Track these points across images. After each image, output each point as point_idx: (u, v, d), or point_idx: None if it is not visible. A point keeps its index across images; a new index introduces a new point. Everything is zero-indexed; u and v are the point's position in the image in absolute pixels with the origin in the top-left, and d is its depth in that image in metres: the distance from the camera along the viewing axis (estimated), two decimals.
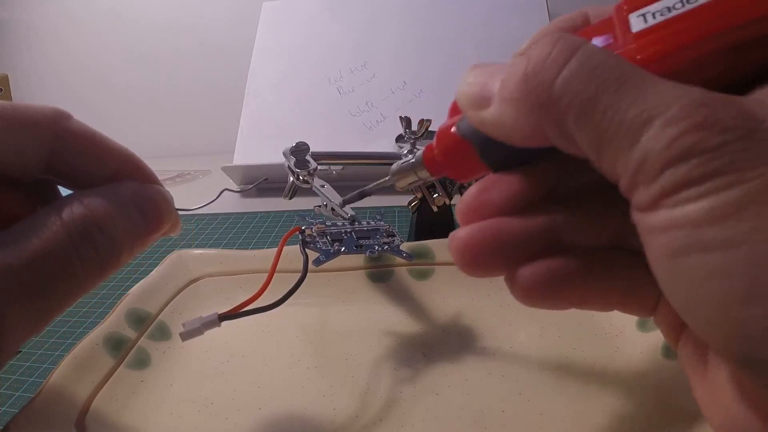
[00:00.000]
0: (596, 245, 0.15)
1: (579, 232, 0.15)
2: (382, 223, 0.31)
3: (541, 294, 0.15)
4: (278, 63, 0.73)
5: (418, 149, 0.19)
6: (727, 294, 0.11)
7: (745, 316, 0.10)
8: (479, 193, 0.16)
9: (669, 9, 0.14)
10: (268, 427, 0.22)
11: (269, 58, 0.73)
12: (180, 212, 0.20)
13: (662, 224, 0.11)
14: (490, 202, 0.16)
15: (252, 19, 0.78)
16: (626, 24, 0.14)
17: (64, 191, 0.18)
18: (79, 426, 0.21)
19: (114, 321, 0.27)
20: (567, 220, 0.15)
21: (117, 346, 0.26)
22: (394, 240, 0.30)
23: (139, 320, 0.28)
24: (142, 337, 0.27)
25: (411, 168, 0.19)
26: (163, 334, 0.28)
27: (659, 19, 0.14)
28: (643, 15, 0.14)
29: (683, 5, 0.13)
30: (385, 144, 0.61)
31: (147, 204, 0.18)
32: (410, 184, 0.20)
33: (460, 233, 0.15)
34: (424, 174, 0.19)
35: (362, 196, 0.25)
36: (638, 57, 0.14)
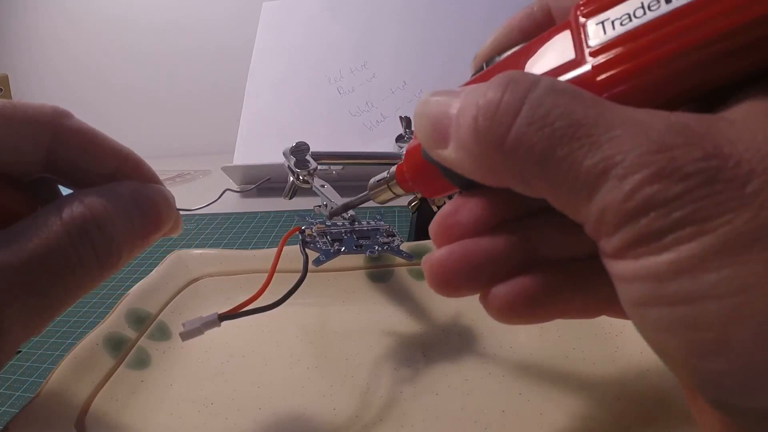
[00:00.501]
0: (575, 257, 0.15)
1: (556, 245, 0.15)
2: (382, 223, 0.31)
3: (516, 312, 0.15)
4: (278, 63, 0.73)
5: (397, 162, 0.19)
6: (694, 347, 0.10)
7: (712, 368, 0.10)
8: (448, 215, 0.16)
9: (630, 17, 0.12)
10: (268, 427, 0.22)
11: (269, 58, 0.73)
12: (181, 212, 0.20)
13: (626, 274, 0.11)
14: (460, 224, 0.16)
15: (252, 19, 0.78)
16: (584, 33, 0.13)
17: (65, 191, 0.18)
18: (79, 426, 0.21)
19: (114, 321, 0.27)
20: (542, 233, 0.15)
21: (117, 346, 0.26)
22: (394, 240, 0.30)
23: (139, 320, 0.28)
24: (142, 337, 0.27)
25: (385, 184, 0.19)
26: (163, 334, 0.28)
27: (619, 30, 0.12)
28: (602, 24, 0.13)
29: (645, 13, 0.12)
30: (385, 144, 0.61)
31: (147, 203, 0.18)
32: (387, 199, 0.20)
33: (433, 256, 0.15)
34: (399, 190, 0.19)
35: (346, 208, 0.26)
36: (598, 79, 0.13)
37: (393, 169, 0.19)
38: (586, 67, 0.13)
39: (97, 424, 0.22)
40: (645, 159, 0.10)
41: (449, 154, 0.14)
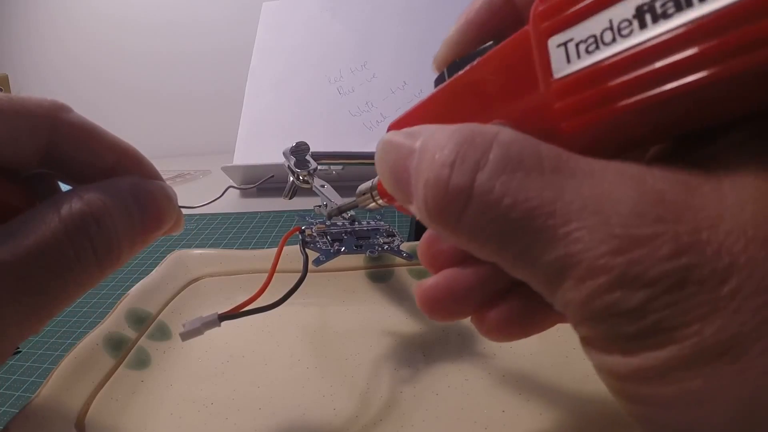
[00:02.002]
0: None
1: None
2: (382, 223, 0.31)
3: (509, 333, 0.15)
4: (278, 63, 0.73)
5: None
6: None
7: None
8: (430, 243, 0.16)
9: (596, 42, 0.10)
10: (268, 427, 0.22)
11: (269, 58, 0.73)
12: (183, 210, 0.20)
13: (593, 360, 0.11)
14: (443, 252, 0.16)
15: (252, 20, 0.78)
16: (546, 55, 0.11)
17: (65, 187, 0.18)
18: (79, 426, 0.21)
19: (114, 321, 0.27)
20: None
21: (117, 346, 0.26)
22: (394, 240, 0.30)
23: (139, 320, 0.28)
24: (142, 337, 0.27)
25: (369, 193, 0.19)
26: (163, 334, 0.28)
27: (585, 60, 0.10)
28: (565, 46, 0.11)
29: (614, 39, 0.10)
30: None
31: (147, 199, 0.17)
32: (373, 209, 0.20)
33: (422, 286, 0.16)
34: (382, 201, 0.19)
35: (340, 211, 0.26)
36: (563, 125, 0.11)
37: (376, 180, 0.18)
38: (547, 101, 0.11)
39: (97, 424, 0.22)
40: (603, 262, 0.09)
41: (413, 211, 0.13)
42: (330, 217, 0.28)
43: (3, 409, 0.26)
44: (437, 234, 0.16)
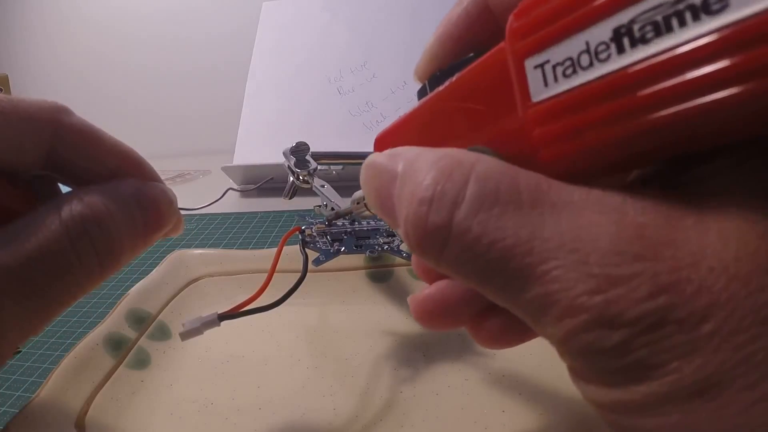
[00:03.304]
0: None
1: None
2: (383, 223, 0.31)
3: (504, 343, 0.16)
4: (278, 63, 0.73)
5: None
6: None
7: None
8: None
9: (573, 66, 0.10)
10: (268, 427, 0.22)
11: (269, 58, 0.73)
12: (183, 212, 0.20)
13: (576, 385, 0.11)
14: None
15: (252, 19, 0.78)
16: (523, 77, 0.11)
17: (66, 189, 0.18)
18: (79, 426, 0.21)
19: (114, 321, 0.27)
20: None
21: (117, 346, 0.26)
22: (394, 240, 0.30)
23: (139, 320, 0.28)
24: (142, 337, 0.27)
25: (363, 203, 0.19)
26: (163, 334, 0.28)
27: (563, 85, 0.10)
28: (542, 68, 0.10)
29: (592, 63, 0.09)
30: None
31: (149, 202, 0.17)
32: (367, 217, 0.20)
33: (417, 298, 0.16)
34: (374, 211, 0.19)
35: (338, 216, 0.26)
36: (542, 152, 0.11)
37: None
38: (525, 128, 0.11)
39: (97, 424, 0.22)
40: (581, 302, 0.09)
41: (401, 235, 0.13)
42: (329, 222, 0.28)
43: (3, 409, 0.26)
44: None
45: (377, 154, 0.14)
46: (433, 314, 0.15)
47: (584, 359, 0.10)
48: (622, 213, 0.10)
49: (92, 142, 0.18)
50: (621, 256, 0.09)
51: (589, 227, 0.10)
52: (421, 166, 0.12)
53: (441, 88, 0.14)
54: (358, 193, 0.20)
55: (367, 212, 0.19)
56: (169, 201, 0.18)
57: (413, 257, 0.17)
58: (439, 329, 0.16)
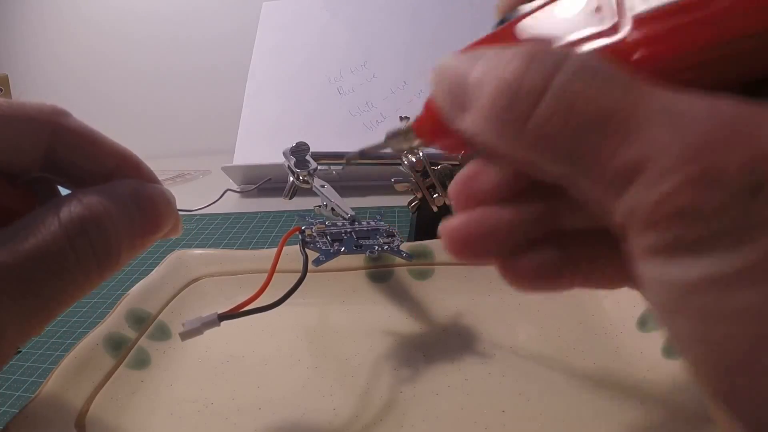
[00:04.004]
0: (598, 227, 0.14)
1: (578, 216, 0.14)
2: (382, 223, 0.31)
3: (535, 285, 0.15)
4: (278, 63, 0.73)
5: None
6: (716, 362, 0.10)
7: (730, 387, 0.10)
8: (467, 179, 0.15)
9: None
10: (268, 427, 0.22)
11: (269, 58, 0.73)
12: (182, 213, 0.20)
13: (653, 277, 0.10)
14: (480, 190, 0.15)
15: (252, 19, 0.78)
16: None
17: (65, 191, 0.18)
18: (79, 426, 0.21)
19: (114, 321, 0.27)
20: (565, 203, 0.14)
21: (117, 346, 0.26)
22: (394, 240, 0.30)
23: (139, 320, 0.28)
24: (142, 337, 0.27)
25: (402, 135, 0.18)
26: (163, 334, 0.28)
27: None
28: None
29: None
30: None
31: (147, 203, 0.18)
32: (404, 149, 0.19)
33: (451, 223, 0.15)
34: (415, 142, 0.18)
35: (363, 156, 0.24)
36: (636, 56, 0.11)
37: (411, 120, 0.18)
38: (623, 37, 0.11)
39: (97, 424, 0.22)
40: (682, 161, 0.09)
41: (466, 125, 0.13)
42: (349, 162, 0.26)
43: (3, 409, 0.26)
44: (478, 168, 0.15)
45: (453, 53, 0.14)
46: (469, 243, 0.14)
47: (673, 227, 0.10)
48: (716, 99, 0.10)
49: (90, 144, 0.18)
50: (720, 125, 0.09)
51: (690, 101, 0.10)
52: (509, 51, 0.12)
53: (525, 10, 0.14)
54: (393, 129, 0.19)
55: (405, 144, 0.19)
56: (167, 201, 0.18)
57: (455, 182, 0.16)
58: (469, 259, 0.15)
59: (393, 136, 0.19)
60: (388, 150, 0.19)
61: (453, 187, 0.16)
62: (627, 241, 0.11)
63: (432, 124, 0.16)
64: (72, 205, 0.15)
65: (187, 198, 0.64)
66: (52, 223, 0.15)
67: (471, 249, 0.15)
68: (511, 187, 0.15)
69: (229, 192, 0.63)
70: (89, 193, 0.16)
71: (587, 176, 0.11)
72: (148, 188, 0.18)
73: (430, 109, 0.16)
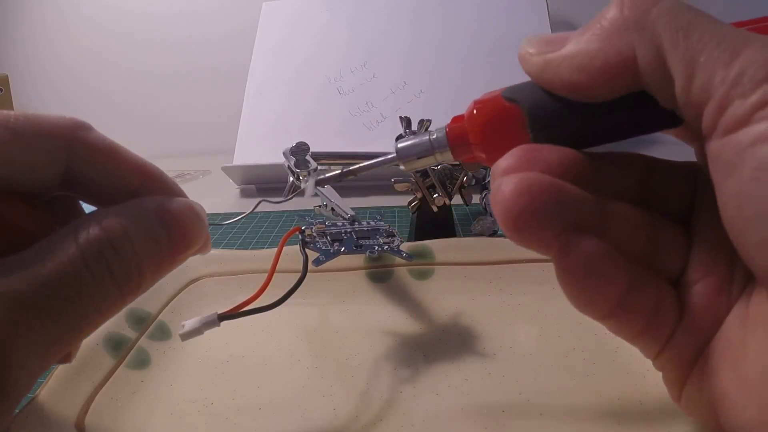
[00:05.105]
0: (636, 251, 0.15)
1: (621, 229, 0.14)
2: (382, 223, 0.31)
3: (585, 278, 0.14)
4: (278, 63, 0.73)
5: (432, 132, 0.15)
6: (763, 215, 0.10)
7: None
8: (530, 149, 0.14)
9: None
10: (268, 427, 0.22)
11: (269, 58, 0.73)
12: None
13: (752, 138, 0.11)
14: (544, 159, 0.14)
15: (252, 19, 0.78)
16: None
17: (88, 207, 0.17)
18: (79, 426, 0.21)
19: (114, 321, 0.27)
20: (621, 217, 0.14)
21: (117, 346, 0.26)
22: (394, 240, 0.30)
23: (139, 320, 0.28)
24: (142, 337, 0.27)
25: (430, 149, 0.16)
26: (163, 334, 0.28)
27: None
28: None
29: None
30: (385, 144, 0.61)
31: (173, 220, 0.16)
32: (421, 167, 0.18)
33: (511, 180, 0.13)
34: (446, 156, 0.16)
35: (362, 170, 0.22)
36: None
37: (437, 133, 0.16)
38: None
39: (97, 424, 0.22)
40: None
41: (567, 48, 0.13)
42: (345, 175, 0.24)
43: None
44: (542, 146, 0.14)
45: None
46: (537, 201, 0.13)
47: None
48: None
49: (112, 160, 0.17)
50: None
51: None
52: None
53: None
54: (408, 142, 0.17)
55: (423, 161, 0.17)
56: (196, 216, 0.17)
57: (517, 150, 0.14)
58: (526, 233, 0.13)
59: (416, 152, 0.17)
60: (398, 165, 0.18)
61: (511, 155, 0.14)
62: (725, 119, 0.12)
63: (486, 117, 0.15)
64: (90, 227, 0.15)
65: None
66: (70, 247, 0.14)
67: (534, 212, 0.13)
68: (573, 167, 0.14)
69: (229, 192, 0.63)
70: (109, 214, 0.15)
71: (702, 50, 0.12)
72: (173, 203, 0.17)
73: (487, 104, 0.15)
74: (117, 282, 0.15)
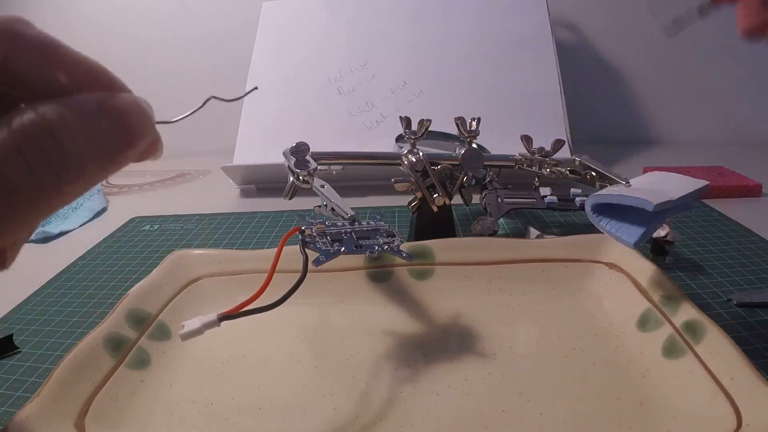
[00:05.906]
0: None
1: None
2: (382, 223, 0.31)
3: None
4: (278, 63, 0.73)
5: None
6: None
7: None
8: None
9: None
10: (268, 427, 0.22)
11: (269, 58, 0.73)
12: (161, 126, 0.18)
13: None
14: None
15: (252, 19, 0.78)
16: None
17: None
18: (79, 426, 0.21)
19: (114, 321, 0.27)
20: None
21: (117, 346, 0.26)
22: (394, 240, 0.30)
23: (139, 320, 0.28)
24: (142, 337, 0.27)
25: (697, 8, 0.18)
26: (163, 334, 0.28)
27: None
28: None
29: None
30: (385, 144, 0.61)
31: (116, 112, 0.15)
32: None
33: None
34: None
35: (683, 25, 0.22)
36: None
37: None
38: None
39: (97, 424, 0.22)
40: None
41: None
42: (703, 11, 0.23)
43: (3, 409, 0.26)
44: None
45: None
46: None
47: None
48: None
49: (53, 55, 0.16)
50: None
51: None
52: None
53: None
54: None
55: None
56: (140, 110, 0.16)
57: None
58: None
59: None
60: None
61: None
62: None
63: None
64: (25, 114, 0.14)
65: (186, 198, 0.64)
66: (1, 134, 0.13)
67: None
68: None
69: (228, 192, 0.63)
70: (48, 103, 0.14)
71: None
72: (117, 97, 0.16)
73: None
74: (55, 172, 0.14)
